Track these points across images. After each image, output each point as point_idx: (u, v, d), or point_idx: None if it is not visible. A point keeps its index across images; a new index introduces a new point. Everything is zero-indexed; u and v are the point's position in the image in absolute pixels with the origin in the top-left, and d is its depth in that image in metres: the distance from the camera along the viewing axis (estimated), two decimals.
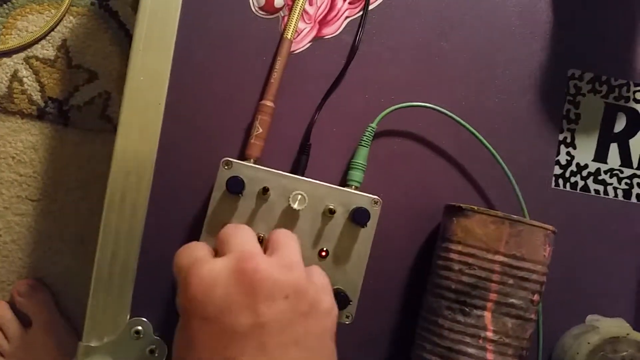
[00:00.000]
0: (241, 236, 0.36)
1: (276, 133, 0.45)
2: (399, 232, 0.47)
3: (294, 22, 0.45)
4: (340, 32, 0.47)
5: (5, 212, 0.72)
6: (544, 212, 0.48)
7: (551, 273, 0.44)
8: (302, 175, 0.44)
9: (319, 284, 0.36)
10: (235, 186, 0.40)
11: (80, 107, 0.73)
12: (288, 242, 0.37)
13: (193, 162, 0.45)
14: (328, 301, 0.35)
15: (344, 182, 0.46)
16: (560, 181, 0.49)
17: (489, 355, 0.41)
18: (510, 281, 0.41)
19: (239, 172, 0.41)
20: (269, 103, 0.44)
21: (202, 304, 0.32)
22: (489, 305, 0.41)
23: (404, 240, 0.47)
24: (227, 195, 0.41)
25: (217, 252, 0.36)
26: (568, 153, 0.50)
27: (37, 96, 0.71)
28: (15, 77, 0.71)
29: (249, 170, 0.41)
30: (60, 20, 0.70)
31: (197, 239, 0.42)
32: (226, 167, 0.41)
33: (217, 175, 0.41)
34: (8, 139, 0.71)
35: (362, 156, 0.45)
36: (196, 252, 0.35)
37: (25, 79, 0.71)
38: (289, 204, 0.40)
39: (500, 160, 0.47)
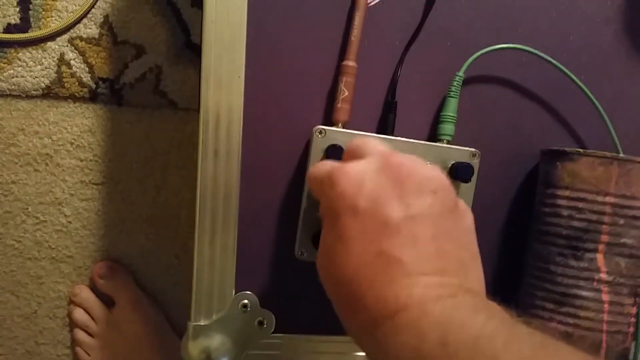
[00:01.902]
0: (374, 141, 0.35)
1: (359, 93, 0.43)
2: (493, 181, 0.46)
3: None
4: None
5: (71, 199, 0.72)
6: (637, 148, 0.47)
7: None
8: (392, 134, 0.43)
9: None
10: (335, 154, 0.39)
11: (132, 84, 0.71)
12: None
13: (278, 134, 0.43)
14: (464, 203, 0.35)
15: (433, 137, 0.44)
16: None
17: (605, 296, 0.41)
18: (622, 221, 0.40)
19: (334, 139, 0.40)
20: (351, 63, 0.42)
21: (353, 198, 0.31)
22: (601, 247, 0.40)
23: (499, 188, 0.46)
24: None
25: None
26: None
27: (86, 78, 0.69)
28: (62, 60, 0.69)
29: (343, 136, 0.40)
30: None
31: (294, 213, 0.42)
32: (320, 135, 0.40)
33: (312, 144, 0.40)
34: (64, 125, 0.70)
35: (451, 108, 0.43)
36: (330, 163, 0.35)
37: (72, 62, 0.69)
38: None
39: (590, 95, 0.45)
